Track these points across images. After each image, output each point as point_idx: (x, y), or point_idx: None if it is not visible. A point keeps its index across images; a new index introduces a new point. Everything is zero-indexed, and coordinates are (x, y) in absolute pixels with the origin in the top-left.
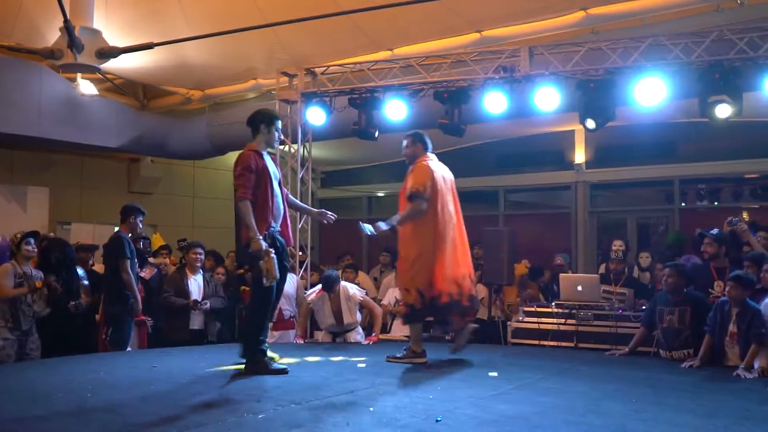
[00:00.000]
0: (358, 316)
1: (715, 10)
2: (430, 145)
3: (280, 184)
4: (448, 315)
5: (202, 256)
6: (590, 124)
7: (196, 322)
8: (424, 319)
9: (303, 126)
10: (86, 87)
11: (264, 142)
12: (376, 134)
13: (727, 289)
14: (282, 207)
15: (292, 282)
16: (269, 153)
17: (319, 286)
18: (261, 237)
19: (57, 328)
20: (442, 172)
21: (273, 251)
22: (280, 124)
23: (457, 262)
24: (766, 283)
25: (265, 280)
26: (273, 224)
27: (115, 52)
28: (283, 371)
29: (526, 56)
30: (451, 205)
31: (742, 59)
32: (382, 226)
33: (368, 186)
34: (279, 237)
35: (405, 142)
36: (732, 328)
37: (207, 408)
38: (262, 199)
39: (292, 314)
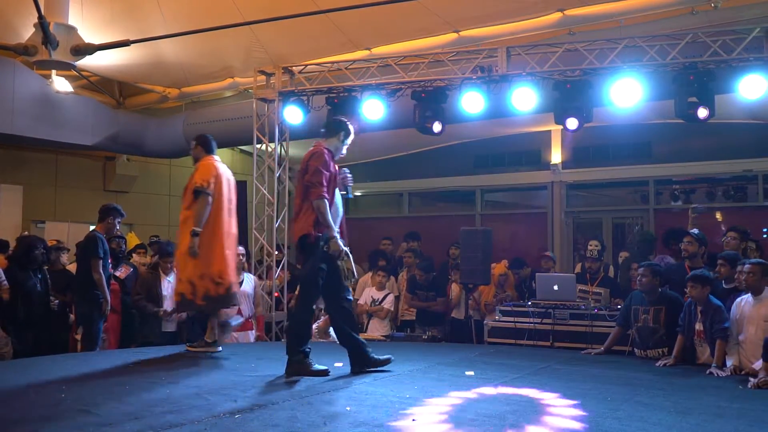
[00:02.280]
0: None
1: (689, 13)
2: (214, 148)
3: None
4: (220, 306)
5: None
6: (572, 123)
7: (170, 325)
8: (196, 309)
9: (280, 125)
10: (61, 84)
11: (334, 146)
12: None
13: (687, 289)
14: (342, 210)
15: (250, 281)
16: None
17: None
18: (338, 236)
19: (32, 328)
20: (226, 174)
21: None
22: (351, 139)
23: (231, 257)
24: (740, 282)
25: (346, 280)
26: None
27: (91, 49)
28: (323, 372)
29: (503, 56)
30: (232, 204)
31: (715, 61)
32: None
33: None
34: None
35: (192, 144)
36: (698, 326)
37: (183, 408)
38: (330, 200)
39: (250, 315)
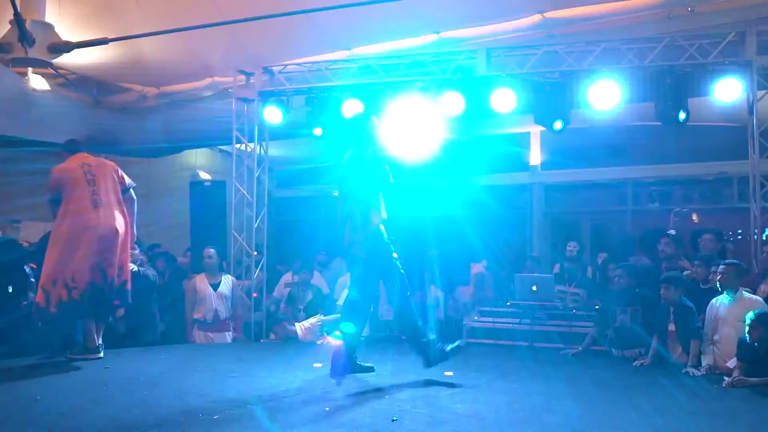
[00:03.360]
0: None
1: (667, 17)
2: (75, 146)
3: None
4: (75, 315)
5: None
6: (559, 124)
7: (121, 326)
8: (50, 318)
9: (260, 125)
10: (37, 82)
11: None
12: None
13: (661, 292)
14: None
15: (227, 283)
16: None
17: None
18: None
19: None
20: (89, 165)
21: None
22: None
23: (108, 250)
24: (714, 283)
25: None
26: None
27: (68, 46)
28: (368, 369)
29: (483, 58)
30: (100, 195)
31: (692, 65)
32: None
33: (324, 186)
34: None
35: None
36: (671, 326)
37: (161, 409)
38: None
39: (227, 316)
